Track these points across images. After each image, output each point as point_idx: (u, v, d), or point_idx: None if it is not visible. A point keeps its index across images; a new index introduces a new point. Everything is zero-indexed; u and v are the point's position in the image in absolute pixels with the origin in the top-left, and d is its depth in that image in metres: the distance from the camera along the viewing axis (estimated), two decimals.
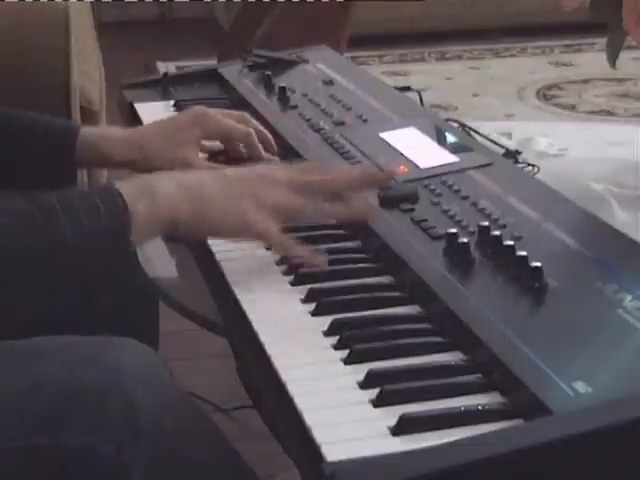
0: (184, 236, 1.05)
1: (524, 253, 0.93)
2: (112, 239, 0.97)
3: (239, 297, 0.98)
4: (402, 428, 0.76)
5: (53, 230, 0.94)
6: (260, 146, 1.33)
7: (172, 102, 1.61)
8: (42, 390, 0.92)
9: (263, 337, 0.90)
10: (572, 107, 3.91)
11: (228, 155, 1.35)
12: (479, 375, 0.82)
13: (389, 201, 1.12)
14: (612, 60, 1.53)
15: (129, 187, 0.99)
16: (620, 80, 4.10)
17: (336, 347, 0.88)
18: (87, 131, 1.31)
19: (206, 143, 1.35)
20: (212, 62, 2.35)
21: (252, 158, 1.31)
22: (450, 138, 1.32)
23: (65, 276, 0.97)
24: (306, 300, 0.97)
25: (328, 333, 0.91)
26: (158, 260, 1.37)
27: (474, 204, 1.08)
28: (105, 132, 1.33)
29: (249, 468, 1.02)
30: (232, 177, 1.05)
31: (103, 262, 0.98)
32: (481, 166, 1.19)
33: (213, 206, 1.02)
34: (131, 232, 0.97)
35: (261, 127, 1.36)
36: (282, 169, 1.10)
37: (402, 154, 1.24)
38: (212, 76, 1.72)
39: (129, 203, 0.97)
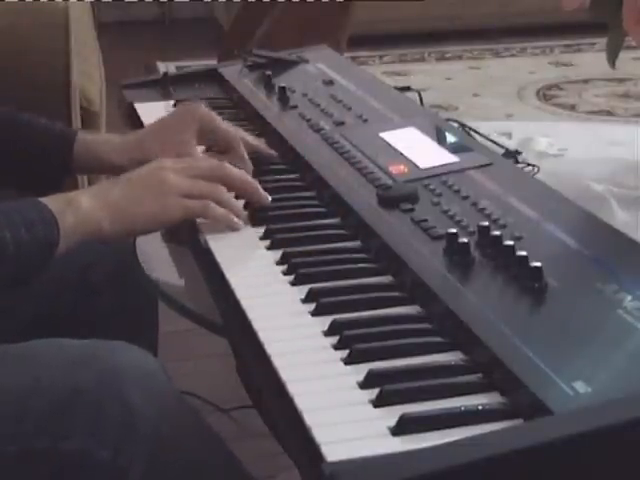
0: (112, 238, 1.11)
1: (524, 253, 0.93)
2: (44, 249, 1.04)
3: (239, 297, 0.98)
4: (402, 428, 0.76)
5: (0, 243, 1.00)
6: (246, 157, 1.31)
7: (172, 102, 1.61)
8: (40, 394, 0.92)
9: (263, 337, 0.90)
10: (572, 107, 3.91)
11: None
12: (479, 375, 0.82)
13: (389, 201, 1.12)
14: (612, 60, 1.53)
15: (55, 203, 1.07)
16: (620, 80, 4.10)
17: (336, 347, 0.88)
18: (84, 135, 1.34)
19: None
20: (212, 62, 2.35)
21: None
22: (450, 138, 1.32)
23: (3, 282, 1.04)
24: (306, 300, 0.97)
25: (328, 333, 0.91)
26: (159, 263, 1.38)
27: (474, 204, 1.08)
28: (102, 136, 1.39)
29: (246, 471, 1.02)
30: (134, 178, 1.13)
31: (34, 269, 1.05)
32: (481, 166, 1.19)
33: (129, 207, 1.10)
34: (59, 243, 1.04)
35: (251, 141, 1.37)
36: (174, 161, 1.17)
37: (402, 154, 1.24)
38: (212, 76, 1.72)
39: (57, 217, 1.05)
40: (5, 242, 1.00)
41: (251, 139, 1.35)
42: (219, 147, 1.32)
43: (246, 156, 1.30)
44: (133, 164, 1.28)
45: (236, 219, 1.13)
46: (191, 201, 1.12)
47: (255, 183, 1.18)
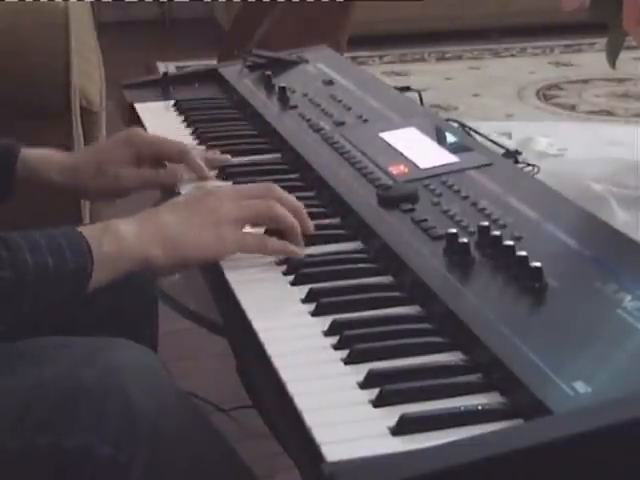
0: (161, 271, 1.06)
1: (524, 253, 0.93)
2: (72, 280, 0.99)
3: (239, 297, 0.99)
4: (402, 428, 0.76)
5: (19, 267, 0.95)
6: (199, 162, 1.31)
7: (172, 102, 1.62)
8: (42, 390, 0.92)
9: (263, 337, 0.90)
10: (572, 107, 3.91)
11: None
12: (479, 375, 0.82)
13: (389, 201, 1.12)
14: (612, 60, 1.54)
15: (92, 230, 1.02)
16: (620, 80, 4.10)
17: (336, 347, 0.88)
18: (27, 153, 1.30)
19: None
20: (212, 62, 2.35)
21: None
22: (450, 138, 1.32)
23: (21, 312, 0.98)
24: (306, 300, 0.97)
25: (328, 333, 0.91)
26: None
27: (474, 204, 1.08)
28: (45, 155, 1.32)
29: (247, 467, 1.03)
30: (185, 204, 1.07)
31: (60, 300, 1.01)
32: (481, 166, 1.19)
33: (183, 236, 1.04)
34: (92, 273, 0.99)
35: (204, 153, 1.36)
36: (225, 187, 1.13)
37: (402, 154, 1.24)
38: (212, 76, 1.72)
39: (92, 244, 0.99)
40: (26, 267, 0.96)
41: (203, 151, 1.36)
42: (171, 160, 1.32)
43: (200, 162, 1.30)
44: (66, 184, 1.29)
45: (294, 248, 1.06)
46: (248, 235, 1.06)
47: (302, 208, 1.11)
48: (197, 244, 1.04)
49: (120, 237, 1.02)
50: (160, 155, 1.32)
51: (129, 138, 1.32)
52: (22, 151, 1.30)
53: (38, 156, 1.31)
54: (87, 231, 1.01)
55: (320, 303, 0.95)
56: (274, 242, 1.07)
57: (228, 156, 1.35)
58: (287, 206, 1.09)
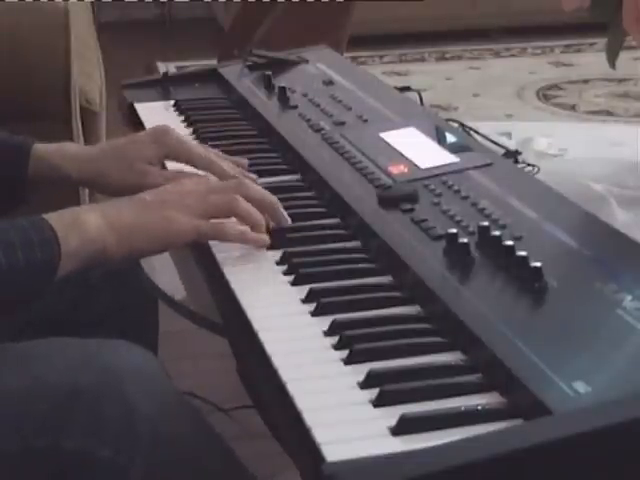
0: (117, 260, 1.06)
1: (524, 253, 0.93)
2: (42, 272, 1.00)
3: (239, 297, 0.98)
4: (402, 428, 0.76)
5: None
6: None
7: (172, 102, 1.62)
8: (40, 393, 0.92)
9: (263, 337, 0.90)
10: (572, 107, 3.91)
11: None
12: (479, 375, 0.82)
13: (389, 201, 1.12)
14: (612, 60, 1.54)
15: (60, 221, 1.02)
16: (620, 80, 4.10)
17: (336, 347, 0.88)
18: (41, 147, 1.26)
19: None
20: (212, 62, 2.35)
21: None
22: (450, 138, 1.32)
23: None
24: (306, 300, 0.97)
25: (328, 333, 0.91)
26: (159, 263, 1.37)
27: (474, 204, 1.08)
28: (61, 149, 1.27)
29: (246, 469, 1.03)
30: (148, 198, 1.08)
31: (30, 292, 1.02)
32: (481, 166, 1.19)
33: (136, 230, 1.05)
34: (60, 265, 1.00)
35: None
36: (193, 181, 1.12)
37: (402, 154, 1.24)
38: (212, 76, 1.72)
39: (60, 237, 1.00)
40: None
41: (230, 159, 1.30)
42: (197, 168, 1.27)
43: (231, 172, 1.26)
44: (85, 178, 1.25)
45: (255, 236, 1.08)
46: (204, 222, 1.06)
47: (276, 203, 1.12)
48: (150, 236, 1.05)
49: (84, 230, 1.02)
50: (187, 161, 1.26)
51: (161, 138, 1.26)
52: (34, 147, 1.26)
53: (54, 152, 1.26)
54: (57, 223, 1.01)
55: (320, 303, 0.95)
56: (232, 229, 1.07)
57: (244, 160, 1.31)
58: (254, 202, 1.09)
